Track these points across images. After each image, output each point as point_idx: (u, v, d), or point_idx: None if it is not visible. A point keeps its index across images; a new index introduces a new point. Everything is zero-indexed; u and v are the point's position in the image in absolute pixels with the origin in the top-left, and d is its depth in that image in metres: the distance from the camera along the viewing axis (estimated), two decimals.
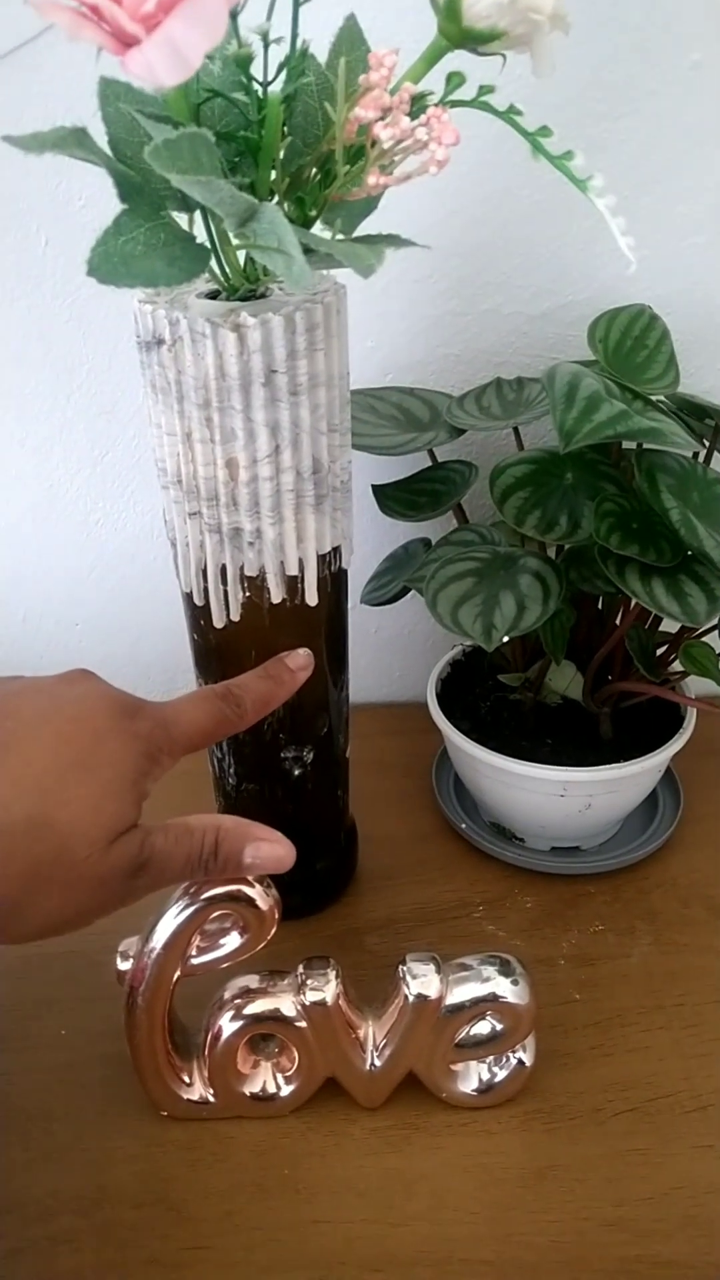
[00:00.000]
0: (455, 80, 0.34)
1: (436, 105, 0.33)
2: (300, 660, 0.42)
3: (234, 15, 0.33)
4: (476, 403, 0.54)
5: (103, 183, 0.35)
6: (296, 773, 0.49)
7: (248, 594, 0.43)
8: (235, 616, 0.44)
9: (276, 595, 0.43)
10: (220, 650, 0.46)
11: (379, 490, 0.56)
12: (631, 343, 0.51)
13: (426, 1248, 0.39)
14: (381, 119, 0.33)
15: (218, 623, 0.44)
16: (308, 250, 0.32)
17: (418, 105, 0.34)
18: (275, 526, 0.41)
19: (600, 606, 0.56)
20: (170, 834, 0.36)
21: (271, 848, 0.37)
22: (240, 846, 0.37)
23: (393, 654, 0.71)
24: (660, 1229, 0.39)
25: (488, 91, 0.33)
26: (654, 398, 0.49)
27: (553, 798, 0.52)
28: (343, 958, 0.43)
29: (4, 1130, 0.44)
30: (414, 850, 0.58)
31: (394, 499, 0.55)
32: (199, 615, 0.45)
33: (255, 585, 0.43)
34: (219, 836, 0.37)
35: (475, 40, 0.35)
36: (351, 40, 0.37)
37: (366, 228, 0.40)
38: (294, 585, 0.43)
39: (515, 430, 0.54)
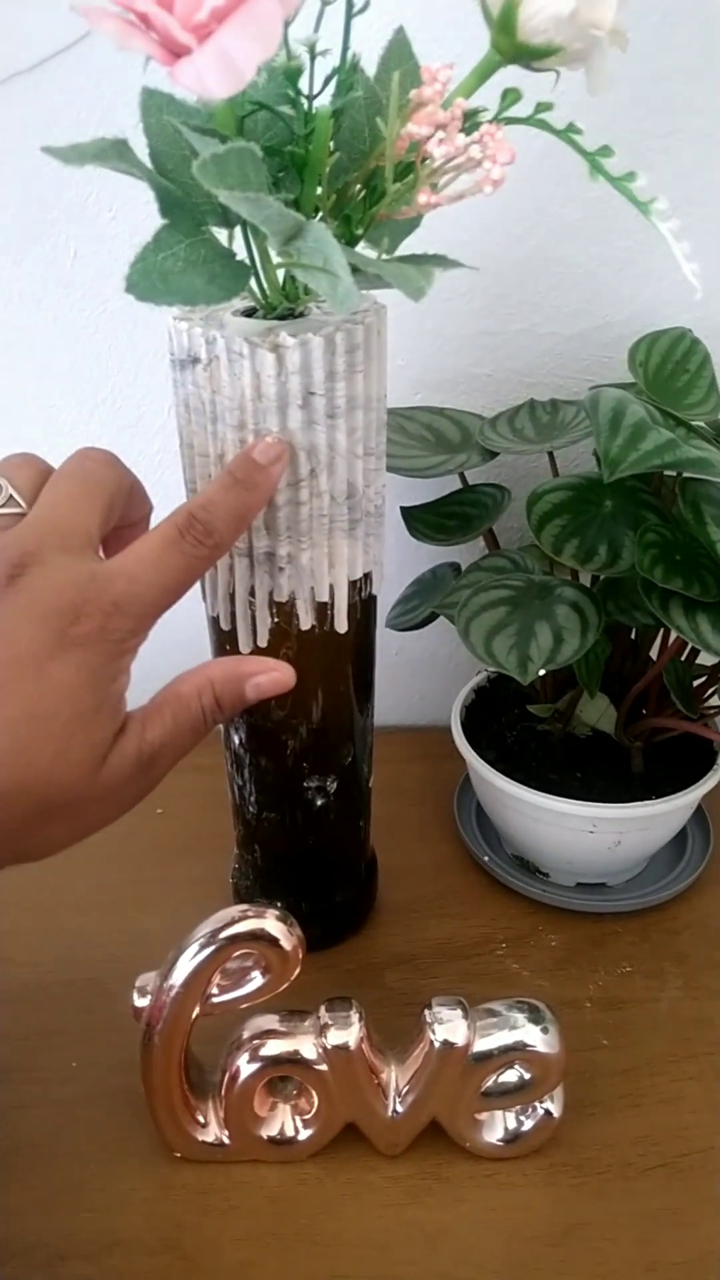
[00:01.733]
0: (511, 96, 0.33)
1: (491, 122, 0.32)
2: (271, 451, 0.35)
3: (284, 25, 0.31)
4: (510, 425, 0.53)
5: (133, 195, 0.34)
6: (319, 803, 0.48)
7: (276, 620, 0.42)
8: (262, 642, 0.42)
9: (305, 622, 0.42)
10: None
11: (407, 512, 0.55)
12: (672, 367, 0.49)
13: None
14: (435, 136, 0.31)
15: (244, 648, 0.43)
16: (354, 270, 0.31)
17: (470, 122, 0.33)
18: (308, 551, 0.40)
19: (634, 637, 0.54)
20: (165, 715, 0.34)
21: (270, 678, 0.36)
22: (240, 690, 0.36)
23: (414, 677, 0.70)
24: None
25: (545, 109, 0.32)
26: (694, 424, 0.47)
27: (582, 834, 0.51)
28: (362, 994, 0.42)
29: (13, 1167, 0.42)
30: (435, 882, 0.57)
31: (423, 521, 0.54)
32: (225, 640, 0.44)
33: (284, 611, 0.42)
34: (215, 692, 0.35)
35: (530, 55, 0.34)
36: (401, 54, 0.36)
37: (403, 247, 0.38)
38: (324, 611, 0.42)
39: (550, 454, 0.53)
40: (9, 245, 0.54)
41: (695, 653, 0.52)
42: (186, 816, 0.61)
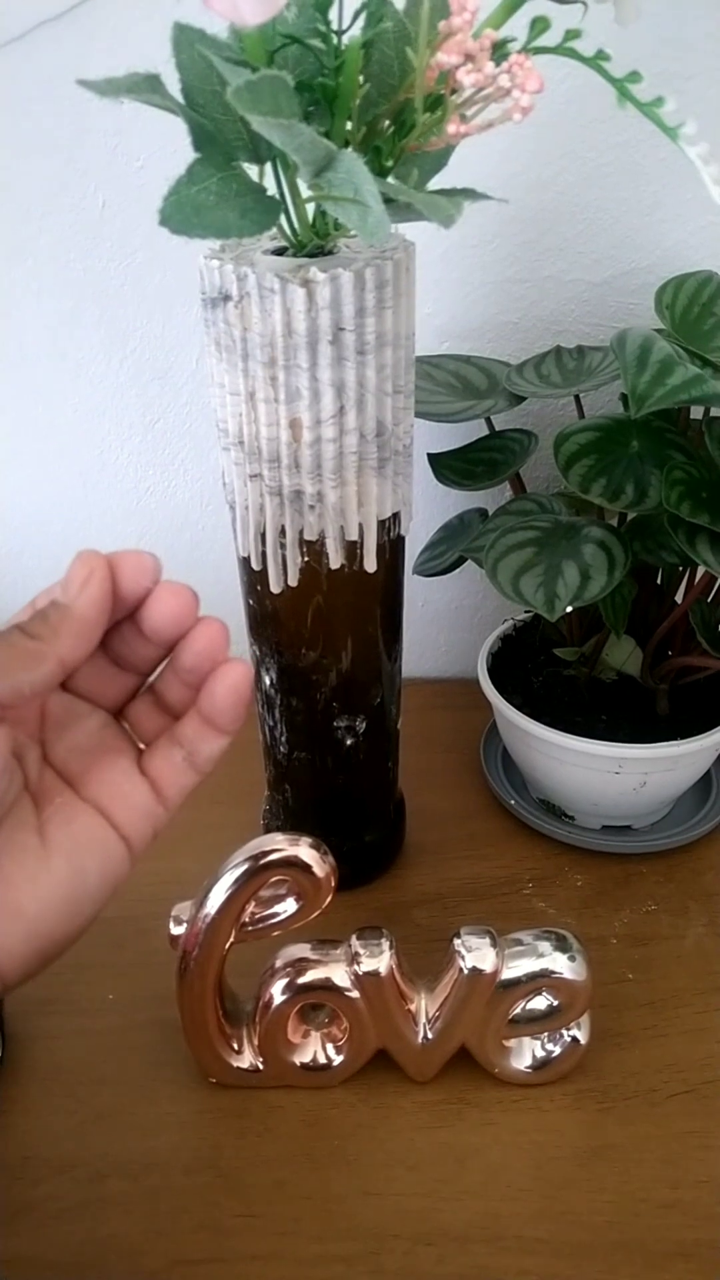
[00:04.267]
0: (540, 25, 0.33)
1: (520, 52, 0.32)
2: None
3: None
4: (536, 371, 0.53)
5: (161, 144, 0.34)
6: (349, 742, 0.49)
7: (306, 559, 0.42)
8: (293, 581, 0.43)
9: (335, 561, 0.42)
10: (276, 616, 0.45)
11: (434, 459, 0.55)
12: (699, 309, 0.49)
13: (479, 1223, 0.39)
14: (464, 65, 0.32)
15: (275, 588, 0.43)
16: (386, 201, 0.31)
17: (499, 52, 0.33)
18: (337, 490, 0.40)
19: (659, 580, 0.55)
20: None
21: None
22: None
23: (439, 628, 0.71)
24: (718, 1212, 0.39)
25: (574, 36, 0.32)
26: None
27: (607, 775, 0.51)
28: (391, 930, 0.43)
29: (54, 1092, 0.44)
30: (462, 825, 0.58)
31: (450, 468, 0.54)
32: (256, 580, 0.44)
33: (314, 550, 0.42)
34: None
35: None
36: None
37: (441, 188, 0.39)
38: (353, 551, 0.43)
39: (576, 399, 0.53)
40: (38, 197, 0.55)
41: None
42: (218, 763, 0.63)
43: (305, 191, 0.36)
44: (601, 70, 0.32)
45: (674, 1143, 0.41)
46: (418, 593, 0.68)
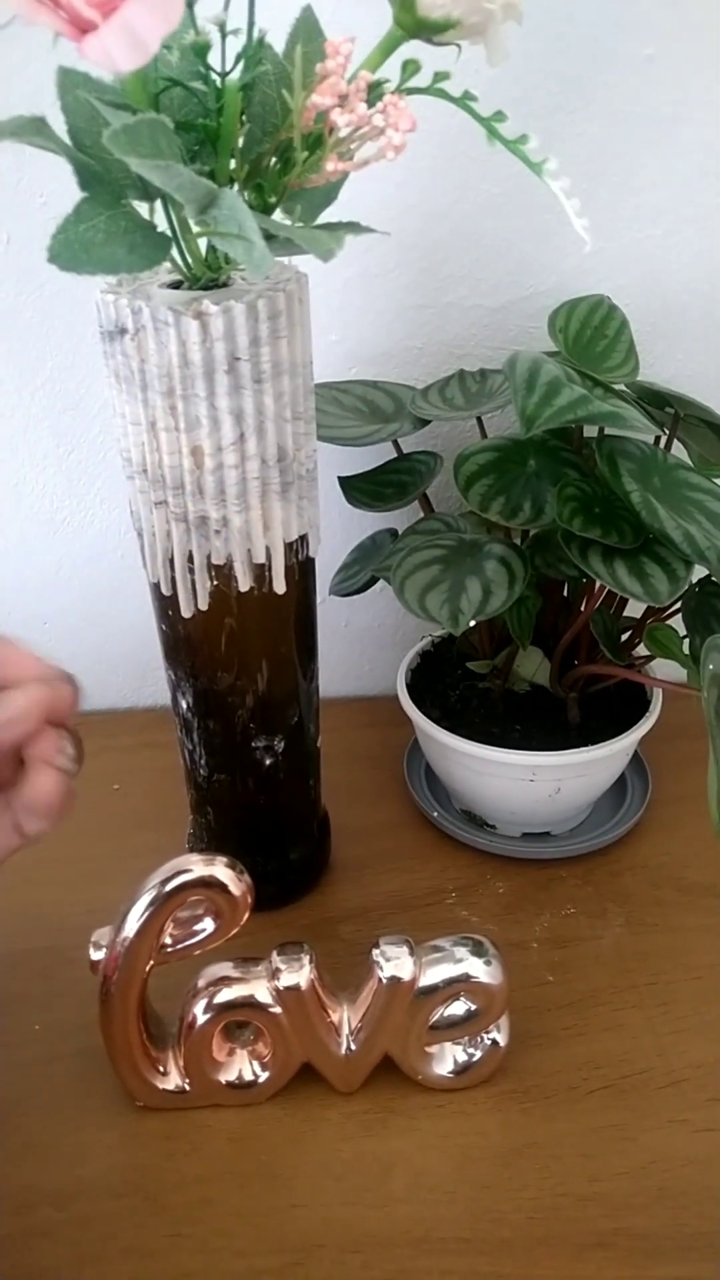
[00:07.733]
0: (410, 67, 0.34)
1: (393, 93, 0.34)
2: None
3: (190, 4, 0.33)
4: (440, 394, 0.55)
5: (65, 179, 0.35)
6: (268, 762, 0.49)
7: (215, 582, 0.43)
8: (203, 605, 0.44)
9: (244, 583, 0.43)
10: (189, 640, 0.46)
11: (345, 482, 0.57)
12: (591, 332, 0.51)
13: (404, 1228, 0.39)
14: (338, 106, 0.33)
15: (186, 612, 0.44)
16: (268, 236, 0.32)
17: (374, 93, 0.35)
18: (241, 514, 0.41)
19: (566, 593, 0.56)
20: None
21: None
22: None
23: (363, 647, 0.72)
24: (636, 1202, 0.40)
25: (443, 78, 0.34)
26: (615, 386, 0.49)
27: (522, 783, 0.53)
28: (317, 946, 0.44)
29: None
30: (387, 840, 0.59)
31: (360, 490, 0.56)
32: (167, 605, 0.45)
33: (222, 574, 0.43)
34: None
35: (430, 30, 0.35)
36: (309, 31, 0.37)
37: (329, 221, 0.40)
38: (261, 573, 0.44)
39: (479, 420, 0.55)
40: None
41: (623, 605, 0.54)
42: (143, 791, 0.63)
43: (195, 227, 0.37)
44: (469, 109, 0.34)
45: (593, 1137, 0.42)
46: (340, 613, 0.70)
